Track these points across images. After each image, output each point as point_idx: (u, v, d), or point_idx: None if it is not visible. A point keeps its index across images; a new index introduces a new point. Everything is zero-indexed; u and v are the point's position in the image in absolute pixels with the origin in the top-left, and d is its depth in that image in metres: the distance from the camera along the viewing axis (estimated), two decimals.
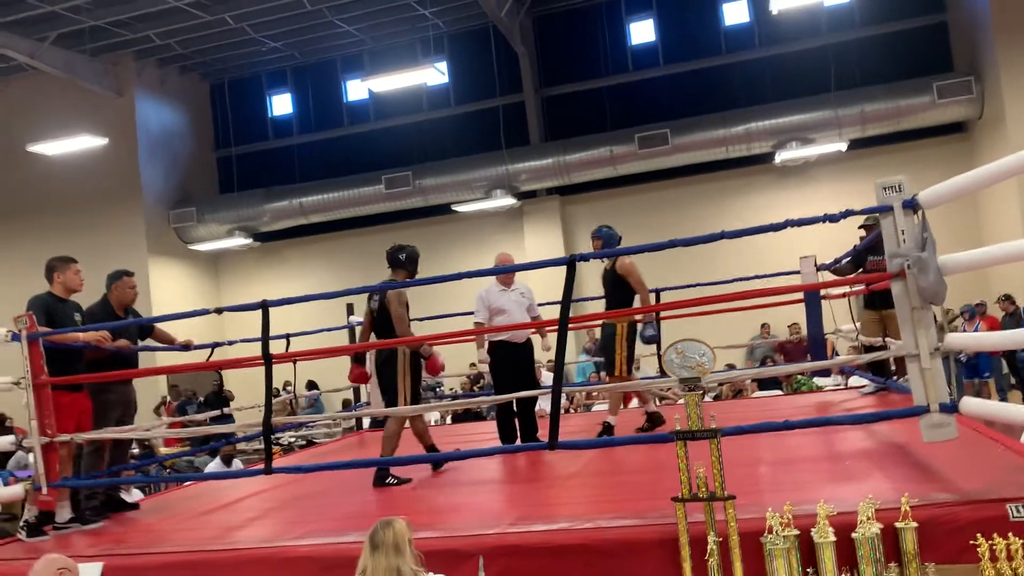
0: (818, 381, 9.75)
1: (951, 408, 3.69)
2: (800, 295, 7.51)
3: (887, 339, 6.47)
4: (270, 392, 4.76)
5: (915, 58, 15.20)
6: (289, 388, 11.10)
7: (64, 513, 5.02)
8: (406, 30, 17.08)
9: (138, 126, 17.13)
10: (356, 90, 18.43)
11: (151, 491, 8.00)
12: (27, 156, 15.79)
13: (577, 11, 17.18)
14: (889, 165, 13.64)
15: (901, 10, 15.52)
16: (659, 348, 6.22)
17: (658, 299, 7.28)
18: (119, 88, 16.90)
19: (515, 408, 6.30)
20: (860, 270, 6.90)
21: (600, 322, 6.70)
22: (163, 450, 10.88)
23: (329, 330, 8.18)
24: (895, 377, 6.73)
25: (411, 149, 17.37)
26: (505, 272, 6.24)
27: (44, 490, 4.84)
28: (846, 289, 7.38)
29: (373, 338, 5.76)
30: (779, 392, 10.20)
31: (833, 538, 3.07)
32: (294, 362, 6.68)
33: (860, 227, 7.05)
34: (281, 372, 8.46)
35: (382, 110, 18.19)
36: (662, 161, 15.59)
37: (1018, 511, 3.09)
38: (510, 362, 6.26)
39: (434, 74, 15.06)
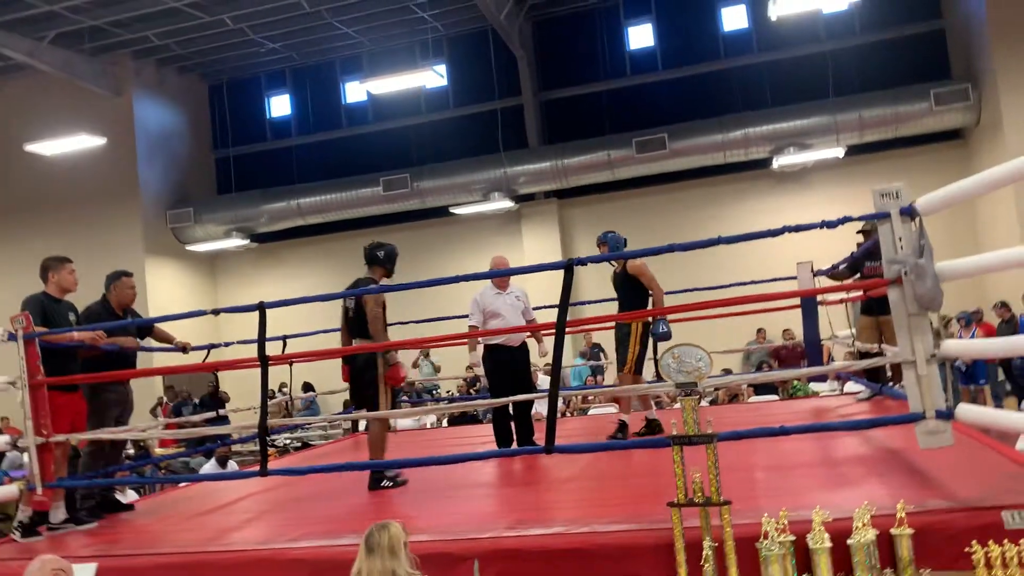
0: (814, 386, 9.76)
1: (947, 415, 3.69)
2: (796, 300, 7.51)
3: (883, 345, 6.48)
4: (265, 394, 4.76)
5: (913, 65, 15.26)
6: (285, 390, 11.10)
7: (58, 513, 5.00)
8: (405, 32, 17.10)
9: (136, 126, 17.13)
10: (355, 92, 18.45)
11: (146, 492, 7.98)
12: (25, 155, 15.76)
13: (576, 15, 17.21)
14: (886, 171, 13.67)
15: (899, 17, 15.57)
16: (643, 347, 6.21)
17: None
18: (117, 88, 16.90)
19: (511, 411, 6.30)
20: (858, 275, 6.91)
21: (598, 324, 6.69)
22: (158, 451, 10.86)
23: (326, 332, 8.16)
24: (891, 383, 6.73)
25: (409, 151, 17.39)
26: (501, 276, 6.22)
27: (39, 490, 4.82)
28: (843, 295, 7.39)
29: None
30: (775, 397, 10.20)
31: (829, 544, 3.07)
32: (290, 364, 6.67)
33: (859, 232, 7.07)
34: (277, 374, 8.47)
35: (381, 112, 18.21)
36: (660, 165, 15.62)
37: (1013, 518, 3.09)
38: (505, 366, 6.25)
39: (433, 77, 15.08)
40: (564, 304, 4.26)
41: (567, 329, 4.38)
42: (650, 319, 6.20)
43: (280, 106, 19.37)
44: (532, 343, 6.70)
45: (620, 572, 3.37)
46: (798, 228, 4.06)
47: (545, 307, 7.23)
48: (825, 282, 7.41)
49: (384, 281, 5.67)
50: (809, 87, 15.32)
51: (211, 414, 9.49)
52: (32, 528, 4.87)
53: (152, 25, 15.55)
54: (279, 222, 17.67)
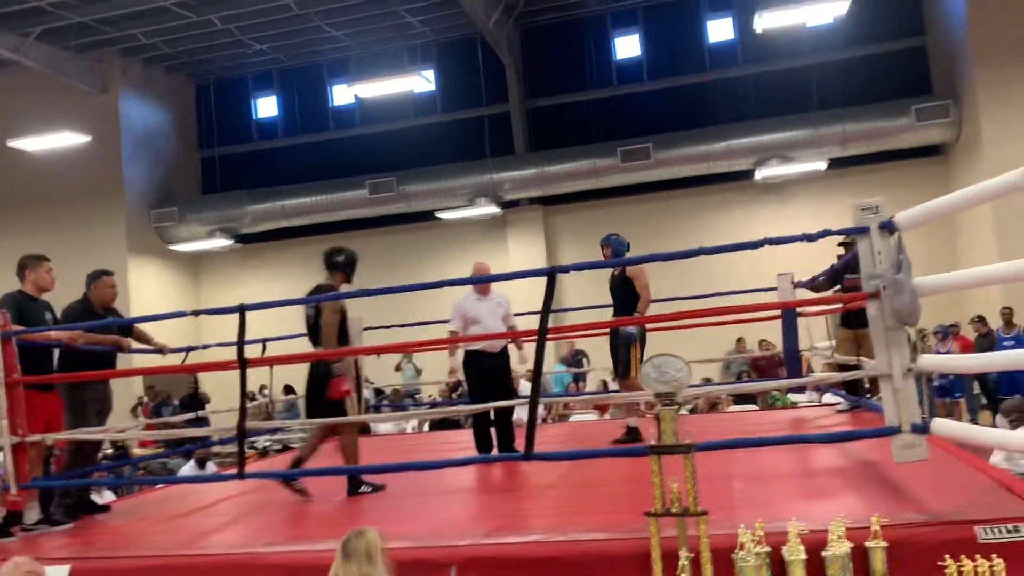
0: (793, 397, 9.81)
1: (922, 429, 3.73)
2: (776, 311, 7.56)
3: (861, 358, 6.53)
4: (244, 397, 4.73)
5: (895, 80, 15.44)
6: (266, 392, 11.05)
7: (32, 514, 4.96)
8: (393, 37, 17.10)
9: (122, 124, 17.03)
10: (342, 95, 18.43)
11: (123, 493, 7.91)
12: (8, 151, 15.65)
13: (564, 24, 17.29)
14: (867, 185, 13.80)
15: (882, 33, 15.74)
16: (641, 351, 6.23)
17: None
18: (104, 85, 16.80)
19: (492, 417, 6.30)
20: (838, 287, 6.96)
21: (576, 332, 6.69)
22: (137, 451, 10.78)
23: (306, 335, 8.13)
24: (869, 395, 6.79)
25: (396, 155, 17.38)
26: (482, 282, 6.23)
27: (13, 490, 4.78)
28: (823, 307, 7.44)
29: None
30: (755, 407, 10.25)
31: (804, 556, 3.09)
32: (271, 366, 6.64)
33: (840, 244, 7.13)
34: (258, 375, 8.43)
35: (368, 115, 18.19)
36: (644, 175, 15.71)
37: (986, 533, 3.13)
38: (484, 371, 6.25)
39: (421, 82, 15.10)
40: (546, 311, 4.27)
41: (549, 336, 4.39)
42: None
43: (267, 107, 19.31)
44: (513, 349, 6.69)
45: None
46: (778, 241, 4.10)
47: (528, 313, 7.24)
48: (805, 293, 7.46)
49: (344, 287, 5.56)
50: (793, 100, 15.47)
51: (191, 415, 9.44)
52: (5, 529, 4.82)
53: (140, 23, 15.47)
54: (263, 223, 17.60)
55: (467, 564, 3.51)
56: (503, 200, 16.59)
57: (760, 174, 15.22)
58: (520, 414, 7.54)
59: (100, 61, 16.69)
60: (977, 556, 2.96)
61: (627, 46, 17.31)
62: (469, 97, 17.56)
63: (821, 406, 8.28)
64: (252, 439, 9.91)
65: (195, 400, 13.43)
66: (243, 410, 4.70)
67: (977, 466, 4.36)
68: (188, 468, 9.01)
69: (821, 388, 8.77)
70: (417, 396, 13.85)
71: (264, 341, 7.63)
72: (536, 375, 4.33)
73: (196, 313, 5.25)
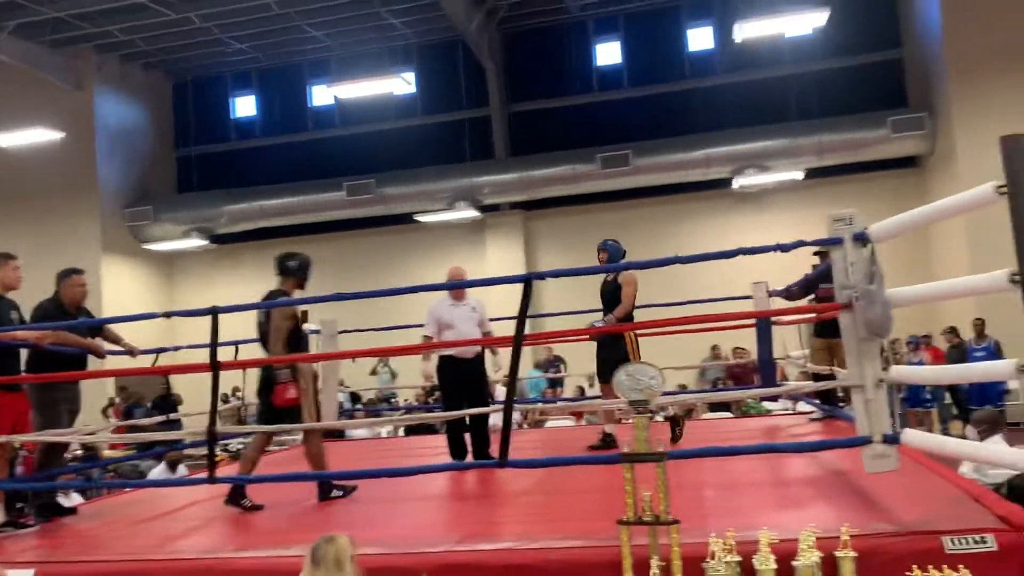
0: (767, 405, 9.87)
1: (893, 439, 3.76)
2: (751, 319, 7.60)
3: (835, 368, 6.58)
4: (215, 400, 4.68)
5: (872, 92, 15.61)
6: (239, 394, 10.93)
7: None
8: (374, 39, 17.05)
9: (97, 121, 16.84)
10: (322, 95, 18.34)
11: (91, 496, 7.80)
12: None
13: (545, 30, 17.33)
14: (843, 195, 13.93)
15: (860, 45, 15.92)
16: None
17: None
18: (79, 82, 16.60)
19: (467, 423, 6.28)
20: (812, 297, 7.01)
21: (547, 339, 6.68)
22: (108, 453, 10.64)
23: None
24: (841, 405, 6.83)
25: (375, 157, 17.32)
26: (457, 287, 6.19)
27: None
28: (796, 316, 7.49)
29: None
30: (729, 414, 10.30)
31: (774, 566, 3.10)
32: (243, 369, 6.57)
33: (815, 253, 7.18)
34: (232, 378, 8.33)
35: (347, 117, 18.12)
36: (623, 181, 15.77)
37: (953, 543, 3.15)
38: (457, 378, 6.22)
39: (401, 84, 15.05)
40: (522, 317, 4.26)
41: (526, 342, 4.38)
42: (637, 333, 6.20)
43: (245, 106, 19.18)
44: (490, 355, 6.67)
45: None
46: (752, 251, 4.12)
47: (505, 318, 7.22)
48: (780, 302, 7.51)
49: (297, 293, 5.44)
50: (770, 110, 15.60)
51: (162, 417, 9.33)
52: None
53: (116, 20, 15.32)
54: (240, 223, 17.46)
55: (438, 571, 3.49)
56: (482, 204, 16.58)
57: (738, 183, 15.32)
58: (496, 420, 7.53)
59: (75, 57, 16.50)
60: (944, 566, 2.98)
61: (608, 53, 17.38)
62: (450, 100, 17.55)
63: (795, 414, 8.33)
64: (224, 442, 9.82)
65: (167, 402, 13.28)
66: (214, 413, 4.65)
67: (946, 476, 4.40)
68: (159, 471, 8.90)
69: (795, 397, 8.82)
70: (393, 400, 13.79)
71: (237, 344, 7.55)
72: (511, 381, 4.31)
73: (168, 315, 5.19)
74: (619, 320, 6.10)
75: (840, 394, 6.94)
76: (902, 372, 4.46)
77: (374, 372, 14.06)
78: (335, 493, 5.21)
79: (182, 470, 8.81)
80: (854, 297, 3.78)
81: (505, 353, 4.93)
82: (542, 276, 4.46)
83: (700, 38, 16.99)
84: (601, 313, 6.36)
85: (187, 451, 9.37)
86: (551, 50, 17.36)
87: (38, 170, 16.46)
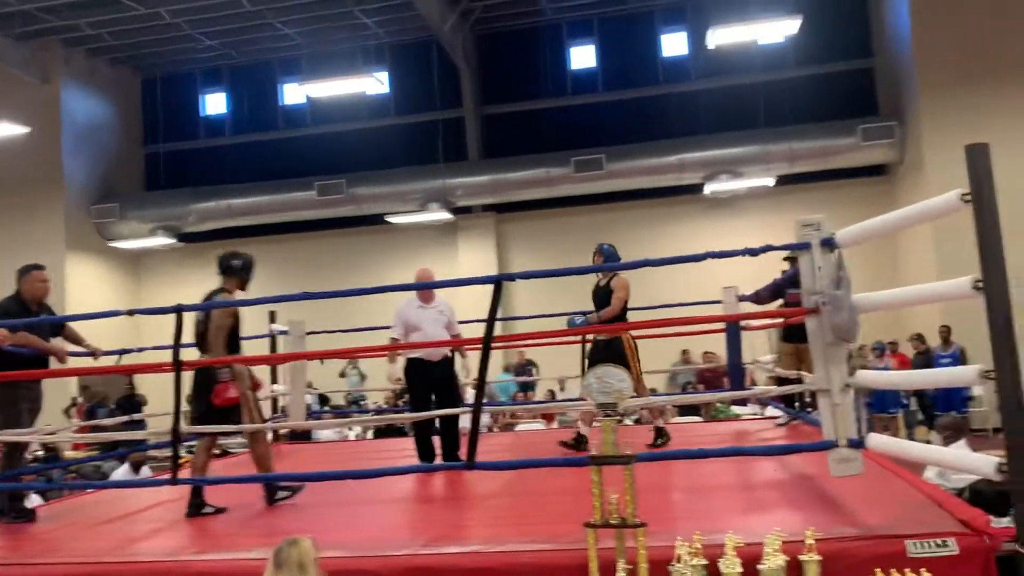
0: (736, 409, 9.92)
1: (858, 444, 3.79)
2: (721, 324, 7.64)
3: (802, 372, 6.62)
4: (179, 399, 4.61)
5: (843, 100, 15.81)
6: None
7: None
8: (347, 37, 16.94)
9: (63, 116, 16.58)
10: (293, 94, 18.20)
11: (51, 497, 7.63)
12: None
13: (520, 32, 17.34)
14: (813, 202, 14.08)
15: (831, 53, 16.11)
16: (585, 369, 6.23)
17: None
18: (45, 75, 16.33)
19: (437, 426, 6.23)
20: (780, 301, 7.05)
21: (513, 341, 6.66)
22: (69, 454, 10.44)
23: (249, 338, 7.97)
24: (809, 410, 6.88)
25: (347, 157, 17.21)
26: (425, 288, 6.14)
27: None
28: (765, 321, 7.54)
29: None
30: (699, 418, 10.34)
31: (740, 569, 3.10)
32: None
33: (785, 259, 7.22)
34: None
35: (319, 115, 17.99)
36: (596, 185, 15.81)
37: (916, 547, 3.18)
38: (424, 380, 6.18)
39: (374, 83, 14.97)
40: (491, 319, 4.24)
41: (496, 345, 4.36)
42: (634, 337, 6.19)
43: (215, 104, 18.98)
44: (460, 358, 6.63)
45: None
46: (721, 255, 4.14)
47: (476, 321, 7.19)
48: (750, 306, 7.55)
49: (239, 294, 5.35)
50: (743, 116, 15.73)
51: (126, 418, 9.18)
52: None
53: (84, 14, 15.09)
54: (208, 222, 17.26)
55: (403, 574, 3.45)
56: (455, 206, 16.54)
57: (710, 188, 15.43)
58: (466, 422, 7.49)
59: (42, 50, 16.23)
60: (907, 570, 3.00)
61: (582, 56, 17.43)
62: (423, 101, 17.48)
63: (763, 419, 8.38)
64: (189, 443, 9.68)
65: (131, 402, 13.07)
66: (177, 413, 4.58)
67: (910, 481, 4.44)
68: (122, 472, 8.75)
69: (763, 401, 8.88)
70: (362, 403, 13.70)
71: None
72: (480, 384, 4.29)
73: (131, 312, 5.10)
74: (602, 322, 6.09)
75: (808, 399, 7.00)
76: (868, 377, 4.49)
77: (343, 374, 13.96)
78: (281, 495, 5.13)
79: (146, 471, 8.67)
80: (821, 302, 3.80)
81: (474, 356, 4.90)
82: (512, 278, 4.45)
83: (674, 43, 17.10)
84: (582, 313, 6.35)
85: (151, 452, 9.22)
86: (526, 52, 17.37)
87: (2, 164, 16.16)
